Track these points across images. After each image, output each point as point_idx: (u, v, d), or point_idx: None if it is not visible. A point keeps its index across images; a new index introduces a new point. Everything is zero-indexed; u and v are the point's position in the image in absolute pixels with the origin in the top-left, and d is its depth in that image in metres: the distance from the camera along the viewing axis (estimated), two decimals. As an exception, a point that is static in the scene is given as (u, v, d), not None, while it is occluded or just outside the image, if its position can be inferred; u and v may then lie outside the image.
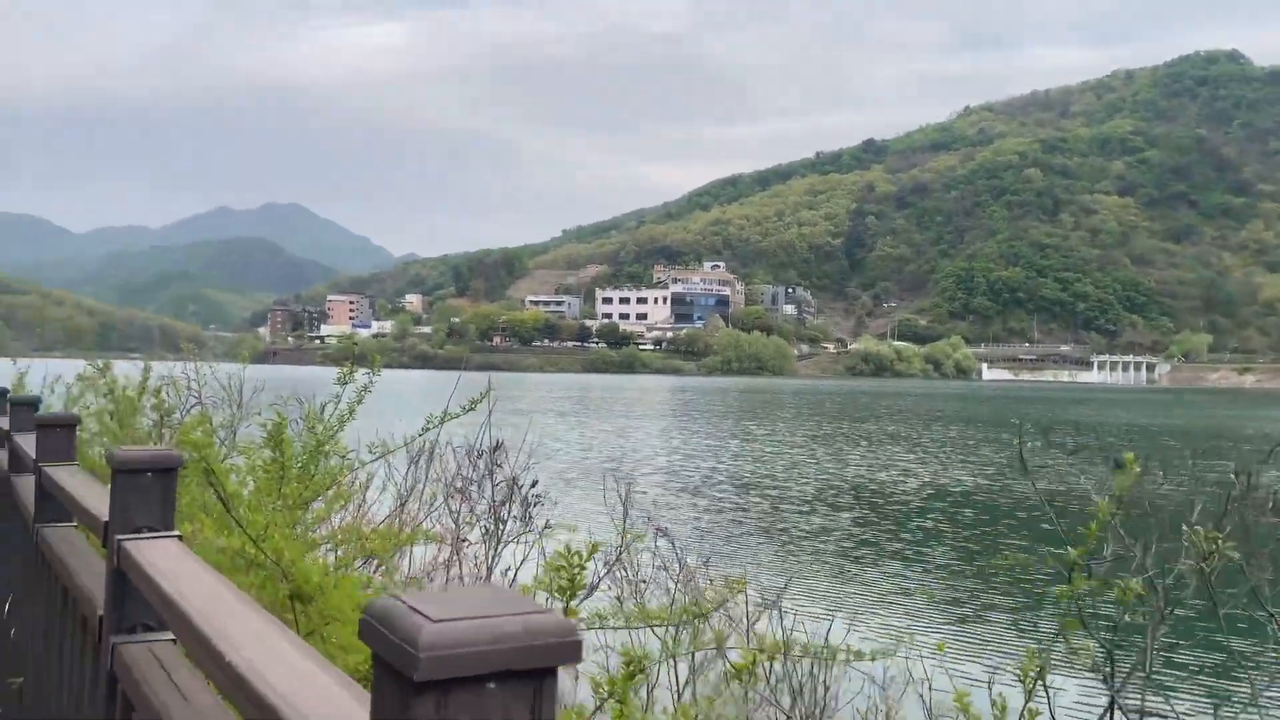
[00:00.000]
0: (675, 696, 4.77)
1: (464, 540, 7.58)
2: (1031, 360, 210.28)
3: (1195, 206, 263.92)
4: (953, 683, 3.84)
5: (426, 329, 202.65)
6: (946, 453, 33.29)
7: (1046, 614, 10.99)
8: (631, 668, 3.27)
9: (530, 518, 7.64)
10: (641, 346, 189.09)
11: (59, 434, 3.39)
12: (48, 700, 2.88)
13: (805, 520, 18.25)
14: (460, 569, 7.52)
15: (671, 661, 4.55)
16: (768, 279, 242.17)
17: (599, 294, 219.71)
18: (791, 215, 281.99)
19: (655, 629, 4.50)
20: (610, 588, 6.42)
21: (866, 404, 74.74)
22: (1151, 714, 3.89)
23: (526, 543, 7.46)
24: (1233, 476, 3.58)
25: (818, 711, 4.40)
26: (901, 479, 25.09)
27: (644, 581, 6.75)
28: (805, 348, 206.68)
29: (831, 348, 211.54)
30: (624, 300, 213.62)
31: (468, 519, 7.84)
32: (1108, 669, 3.50)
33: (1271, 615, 3.43)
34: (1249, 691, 5.54)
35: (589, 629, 4.07)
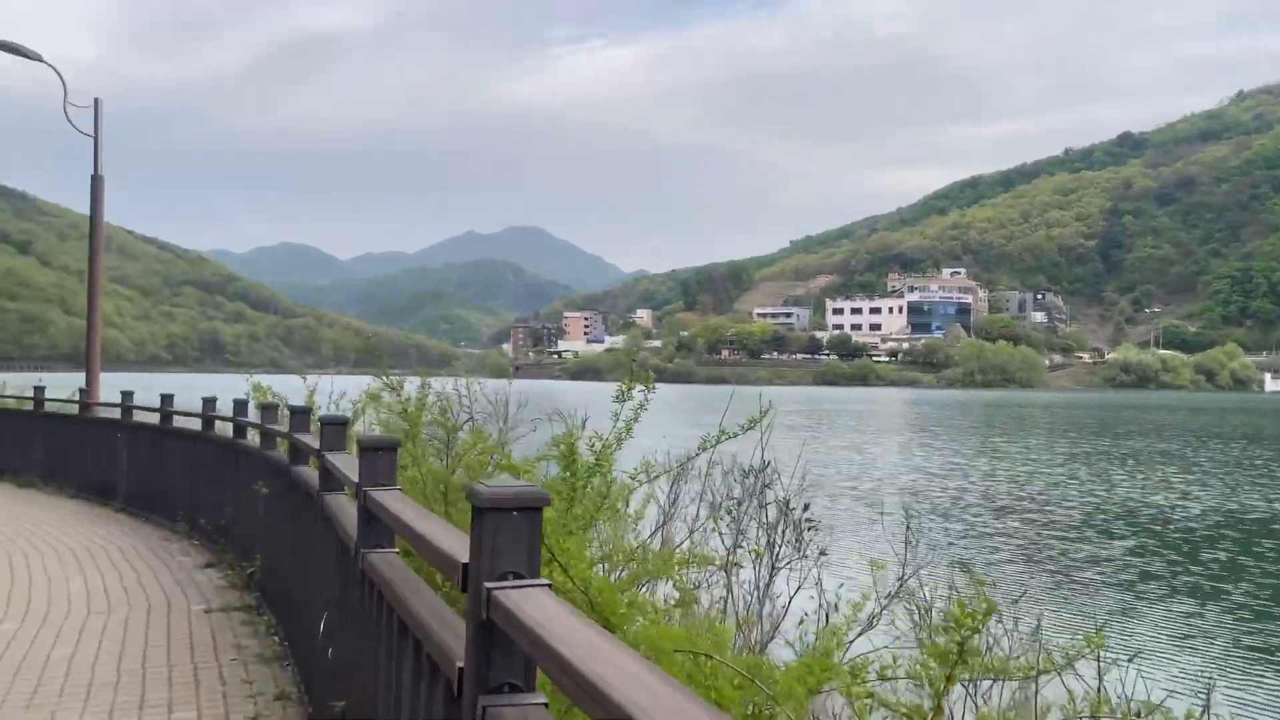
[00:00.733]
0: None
1: (734, 564, 7.35)
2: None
3: None
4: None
5: (656, 343, 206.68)
6: (1231, 474, 29.90)
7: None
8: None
9: (804, 543, 7.31)
10: (875, 358, 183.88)
11: (382, 457, 3.43)
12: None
13: (1073, 548, 16.80)
14: (731, 593, 7.30)
15: None
16: (1013, 284, 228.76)
17: (829, 304, 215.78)
18: (1039, 216, 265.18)
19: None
20: (893, 627, 5.97)
21: (1131, 418, 68.73)
22: None
23: (801, 570, 7.14)
24: None
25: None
26: (1181, 503, 22.70)
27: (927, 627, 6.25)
28: (1057, 358, 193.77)
29: (1087, 357, 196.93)
30: (856, 310, 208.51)
31: (733, 540, 7.62)
32: None
33: None
34: None
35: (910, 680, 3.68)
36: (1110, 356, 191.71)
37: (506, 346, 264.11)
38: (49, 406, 15.11)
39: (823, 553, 7.38)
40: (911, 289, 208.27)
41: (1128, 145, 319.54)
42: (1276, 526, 19.48)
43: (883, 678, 3.99)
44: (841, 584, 6.81)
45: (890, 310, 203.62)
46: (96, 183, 16.02)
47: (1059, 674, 3.72)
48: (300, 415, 6.46)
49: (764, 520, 7.52)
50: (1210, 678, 8.77)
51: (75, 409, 14.61)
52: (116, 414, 13.01)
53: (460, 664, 1.95)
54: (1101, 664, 4.06)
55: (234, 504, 9.06)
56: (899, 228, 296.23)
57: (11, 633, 6.64)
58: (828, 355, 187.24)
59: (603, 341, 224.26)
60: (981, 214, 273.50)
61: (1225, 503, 22.81)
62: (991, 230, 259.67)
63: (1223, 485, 26.52)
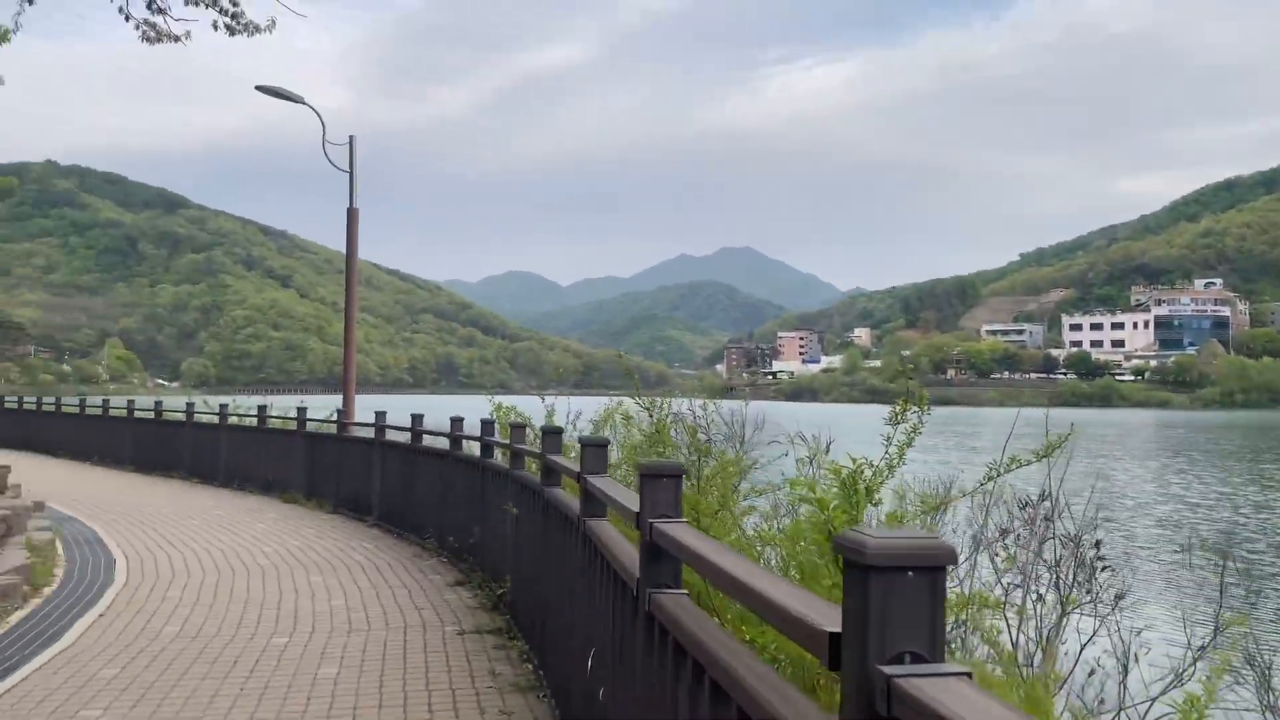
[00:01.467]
0: None
1: (1016, 608, 6.58)
2: None
3: None
4: None
5: (876, 362, 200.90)
6: None
7: None
8: None
9: (1095, 585, 6.45)
10: (1119, 377, 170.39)
11: (665, 485, 3.08)
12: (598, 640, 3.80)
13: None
14: (1013, 635, 6.53)
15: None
16: (1279, 296, 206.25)
17: (1065, 320, 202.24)
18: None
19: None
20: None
21: None
22: None
23: (1095, 615, 6.27)
24: None
25: None
26: None
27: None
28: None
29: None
30: (1095, 326, 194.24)
31: (1012, 579, 6.84)
32: None
33: None
34: None
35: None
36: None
37: (720, 367, 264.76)
38: (309, 426, 16.13)
39: (1120, 596, 6.49)
40: (1159, 302, 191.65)
41: None
42: None
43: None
44: (1140, 630, 5.97)
45: (1135, 325, 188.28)
46: (351, 215, 17.05)
47: None
48: (552, 436, 6.30)
49: (1046, 557, 6.73)
50: None
51: (333, 428, 15.50)
52: (370, 433, 13.64)
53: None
54: None
55: (481, 523, 9.13)
56: (1142, 236, 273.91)
57: (282, 646, 6.86)
58: (1064, 374, 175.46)
59: (819, 361, 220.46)
60: (1239, 219, 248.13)
61: None
62: (1252, 237, 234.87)
63: None
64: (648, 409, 6.41)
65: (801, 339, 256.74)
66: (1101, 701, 5.11)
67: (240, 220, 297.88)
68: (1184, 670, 5.16)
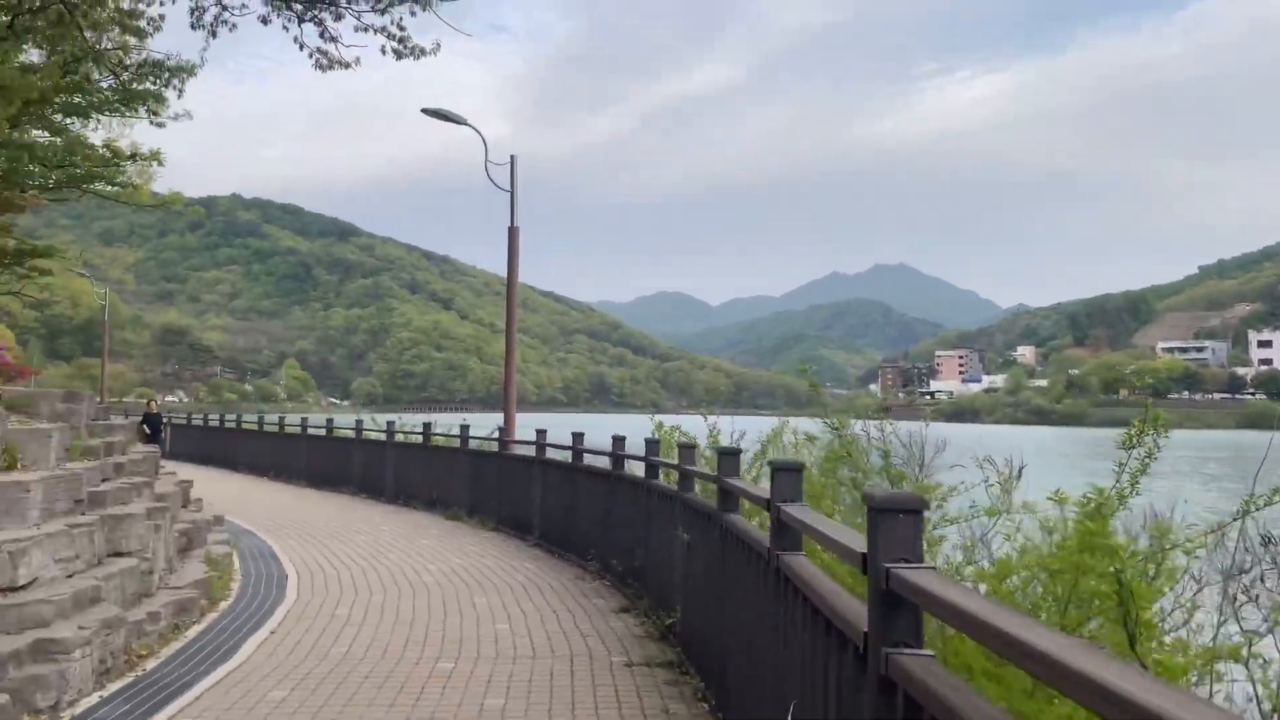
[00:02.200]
0: None
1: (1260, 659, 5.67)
2: None
3: None
4: None
5: (1042, 382, 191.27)
6: None
7: None
8: None
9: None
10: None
11: (904, 521, 2.57)
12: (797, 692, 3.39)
13: None
14: (1256, 691, 5.64)
15: None
16: None
17: (1253, 336, 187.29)
18: None
19: None
20: None
21: None
22: None
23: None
24: None
25: None
26: None
27: None
28: None
29: None
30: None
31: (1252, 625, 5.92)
32: None
33: None
34: None
35: None
36: None
37: (874, 387, 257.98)
38: (472, 444, 16.22)
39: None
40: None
41: None
42: None
43: None
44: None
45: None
46: (513, 233, 17.15)
47: None
48: (729, 458, 5.83)
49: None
50: None
51: (495, 446, 15.52)
52: (531, 451, 13.52)
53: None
54: None
55: (646, 547, 8.75)
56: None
57: (448, 672, 6.63)
58: (1253, 394, 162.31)
59: (979, 381, 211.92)
60: None
61: None
62: None
63: None
64: (836, 428, 5.85)
65: (961, 357, 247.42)
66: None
67: (405, 246, 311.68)
68: None
